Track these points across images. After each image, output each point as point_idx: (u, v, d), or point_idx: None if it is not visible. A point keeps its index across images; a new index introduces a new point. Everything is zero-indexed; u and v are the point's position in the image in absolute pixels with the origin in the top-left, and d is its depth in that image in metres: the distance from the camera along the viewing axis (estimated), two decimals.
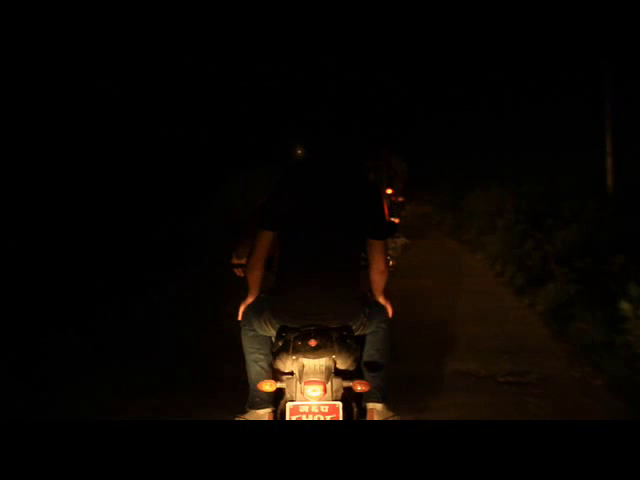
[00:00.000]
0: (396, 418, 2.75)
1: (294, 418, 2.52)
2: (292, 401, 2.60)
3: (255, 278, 2.86)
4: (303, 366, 2.58)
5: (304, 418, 2.50)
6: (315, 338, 2.57)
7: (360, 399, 2.78)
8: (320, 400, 2.52)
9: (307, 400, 2.53)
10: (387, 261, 2.87)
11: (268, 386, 2.60)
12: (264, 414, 2.76)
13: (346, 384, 2.63)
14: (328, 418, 2.50)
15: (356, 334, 2.75)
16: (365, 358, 2.80)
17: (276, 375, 2.73)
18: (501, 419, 3.77)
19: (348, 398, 2.68)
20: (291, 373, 2.64)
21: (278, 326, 2.73)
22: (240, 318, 2.91)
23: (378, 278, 2.87)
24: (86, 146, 9.20)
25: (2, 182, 7.43)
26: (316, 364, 2.58)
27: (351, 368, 2.67)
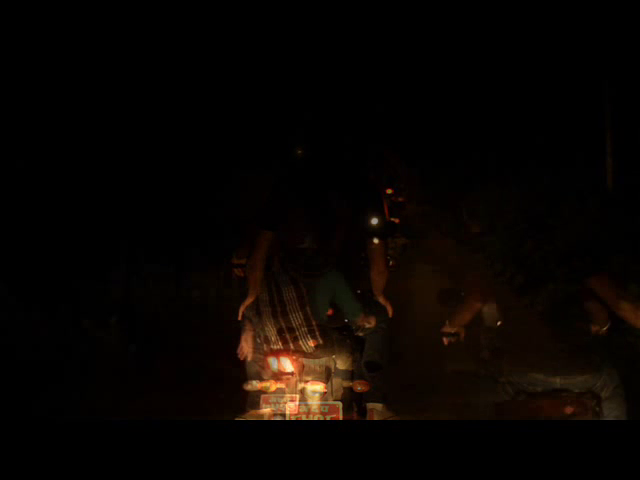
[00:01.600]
0: (396, 418, 2.75)
1: (294, 418, 2.52)
2: (292, 401, 2.60)
3: (255, 278, 2.86)
4: (303, 366, 2.58)
5: (304, 418, 2.51)
6: (315, 338, 2.57)
7: (360, 399, 2.78)
8: (320, 400, 2.53)
9: (307, 400, 2.53)
10: (387, 261, 2.87)
11: (268, 386, 2.60)
12: (264, 414, 2.76)
13: (346, 384, 2.63)
14: (328, 418, 2.50)
15: (356, 334, 2.76)
16: (365, 358, 2.80)
17: (276, 375, 2.73)
18: (501, 419, 3.76)
19: (348, 398, 2.68)
20: (291, 373, 2.64)
21: (278, 326, 2.73)
22: (240, 318, 2.91)
23: (378, 278, 2.87)
24: (89, 145, 9.19)
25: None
26: (316, 364, 2.58)
27: (351, 368, 2.68)
